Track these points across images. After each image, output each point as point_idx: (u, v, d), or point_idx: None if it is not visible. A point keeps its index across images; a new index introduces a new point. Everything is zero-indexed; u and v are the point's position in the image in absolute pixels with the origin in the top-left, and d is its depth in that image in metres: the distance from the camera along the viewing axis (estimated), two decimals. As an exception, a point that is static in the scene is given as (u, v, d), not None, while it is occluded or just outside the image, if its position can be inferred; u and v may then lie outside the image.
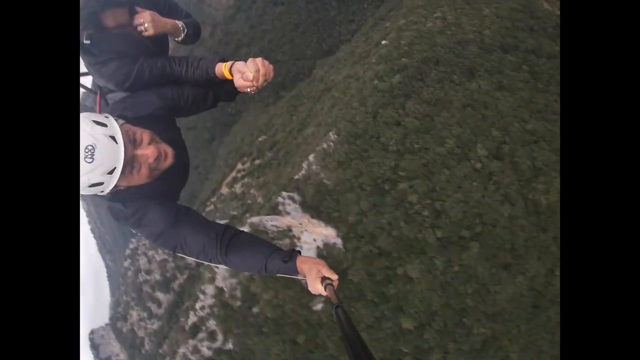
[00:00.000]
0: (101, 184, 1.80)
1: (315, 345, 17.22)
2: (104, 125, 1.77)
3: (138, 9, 2.43)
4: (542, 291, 19.43)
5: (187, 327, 21.78)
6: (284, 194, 18.60)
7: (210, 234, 2.12)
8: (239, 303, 19.89)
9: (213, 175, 42.92)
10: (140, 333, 40.85)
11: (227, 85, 2.43)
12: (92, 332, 48.50)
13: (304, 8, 63.89)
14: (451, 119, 34.78)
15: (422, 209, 18.38)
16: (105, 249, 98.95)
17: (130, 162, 1.86)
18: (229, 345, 20.69)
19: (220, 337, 21.18)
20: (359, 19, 56.81)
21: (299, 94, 40.47)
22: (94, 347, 47.72)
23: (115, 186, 1.89)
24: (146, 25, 2.38)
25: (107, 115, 1.90)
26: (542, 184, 28.57)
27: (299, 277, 2.07)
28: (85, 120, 1.76)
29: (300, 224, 19.05)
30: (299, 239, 16.94)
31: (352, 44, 41.91)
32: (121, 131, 1.82)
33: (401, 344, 16.86)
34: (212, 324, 20.30)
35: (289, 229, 18.31)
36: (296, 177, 19.54)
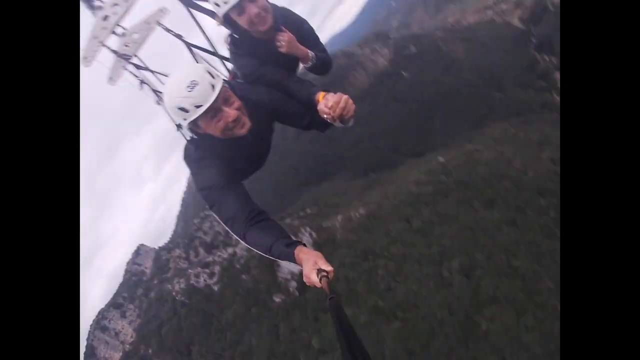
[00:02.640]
0: (187, 111, 2.23)
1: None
2: (213, 77, 2.24)
3: (283, 27, 2.93)
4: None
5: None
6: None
7: (245, 209, 2.41)
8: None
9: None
10: (171, 264, 55.11)
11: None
12: (141, 246, 63.23)
13: (414, 111, 77.27)
14: (448, 231, 37.89)
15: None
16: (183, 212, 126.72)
17: (214, 111, 2.28)
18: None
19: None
20: (454, 135, 64.82)
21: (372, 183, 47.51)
22: (136, 253, 65.64)
23: (196, 125, 2.33)
24: (283, 43, 2.90)
25: (220, 75, 2.35)
26: (490, 312, 30.64)
27: (297, 266, 2.16)
28: (203, 67, 2.34)
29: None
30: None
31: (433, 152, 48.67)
32: (222, 90, 2.27)
33: None
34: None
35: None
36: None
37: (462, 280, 33.90)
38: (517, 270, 32.25)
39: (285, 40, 2.91)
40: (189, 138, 2.57)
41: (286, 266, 42.34)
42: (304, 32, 3.18)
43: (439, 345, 31.91)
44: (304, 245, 2.23)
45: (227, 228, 2.50)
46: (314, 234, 47.12)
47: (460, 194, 43.78)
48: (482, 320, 31.15)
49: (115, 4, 3.74)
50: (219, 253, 52.03)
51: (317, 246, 43.27)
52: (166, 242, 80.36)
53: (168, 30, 4.08)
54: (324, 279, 1.92)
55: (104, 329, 62.45)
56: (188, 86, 2.21)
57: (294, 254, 2.18)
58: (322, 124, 2.89)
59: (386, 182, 58.14)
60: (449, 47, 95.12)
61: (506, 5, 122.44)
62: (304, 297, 40.67)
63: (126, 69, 4.42)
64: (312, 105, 2.76)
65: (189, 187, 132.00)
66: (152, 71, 4.13)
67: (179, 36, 3.98)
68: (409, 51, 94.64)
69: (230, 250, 50.39)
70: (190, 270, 54.01)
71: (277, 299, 42.78)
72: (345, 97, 2.48)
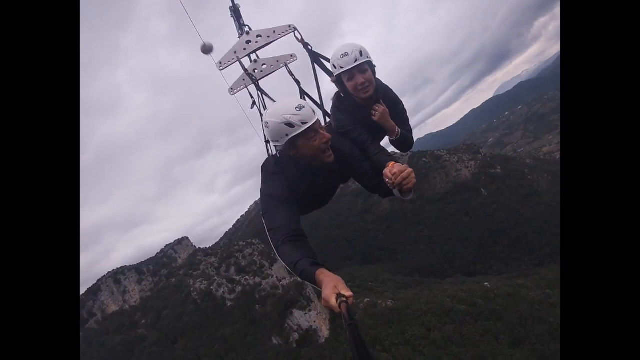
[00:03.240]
0: (292, 127, 2.60)
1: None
2: (314, 111, 2.73)
3: (381, 100, 3.48)
4: None
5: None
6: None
7: (290, 225, 2.63)
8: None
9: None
10: (202, 266, 63.13)
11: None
12: (185, 238, 69.65)
13: (482, 230, 78.14)
14: (464, 355, 40.18)
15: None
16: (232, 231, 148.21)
17: (314, 132, 2.68)
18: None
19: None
20: (512, 264, 66.39)
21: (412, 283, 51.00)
22: (178, 242, 76.55)
23: (294, 143, 2.69)
24: (377, 113, 3.40)
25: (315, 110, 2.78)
26: None
27: (316, 287, 2.19)
28: (308, 104, 2.78)
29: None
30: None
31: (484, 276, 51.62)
32: (317, 122, 2.71)
33: None
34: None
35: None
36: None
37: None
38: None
39: (379, 111, 3.40)
40: (275, 154, 2.93)
41: (300, 320, 43.07)
42: (397, 110, 3.68)
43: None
44: (327, 268, 2.24)
45: (268, 234, 2.69)
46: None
47: (490, 323, 42.87)
48: None
49: (259, 36, 4.19)
50: (247, 277, 53.79)
51: (333, 314, 44.08)
52: (207, 247, 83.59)
53: (291, 74, 4.45)
54: (343, 304, 1.89)
55: (117, 282, 66.94)
56: (297, 107, 2.64)
57: (315, 274, 2.20)
58: (385, 191, 3.06)
59: (427, 288, 58.18)
60: (534, 177, 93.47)
61: None
62: (299, 351, 41.11)
63: (246, 87, 4.78)
64: (381, 170, 2.94)
65: (248, 213, 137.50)
66: (268, 96, 4.63)
67: (297, 82, 4.31)
68: (494, 170, 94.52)
69: (257, 280, 52.12)
70: (216, 279, 56.17)
71: (274, 341, 43.40)
72: (409, 169, 2.65)
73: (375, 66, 3.45)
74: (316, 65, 3.88)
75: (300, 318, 46.22)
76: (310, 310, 46.72)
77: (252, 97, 4.60)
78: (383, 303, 50.19)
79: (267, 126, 2.71)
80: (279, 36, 4.24)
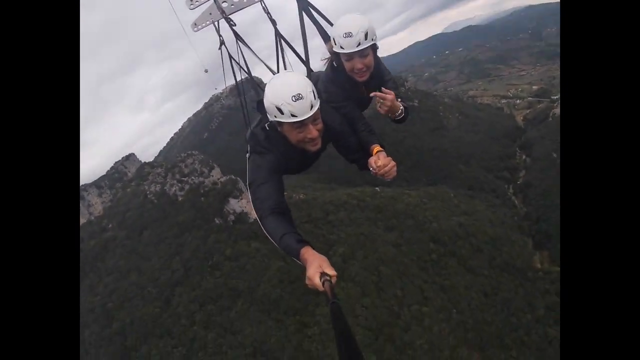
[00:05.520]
0: (282, 114, 2.53)
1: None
2: (314, 97, 2.61)
3: (385, 89, 3.23)
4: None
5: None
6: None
7: (276, 198, 2.68)
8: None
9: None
10: (150, 177, 74.04)
11: (367, 159, 3.08)
12: (131, 154, 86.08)
13: (393, 151, 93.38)
14: (349, 235, 61.20)
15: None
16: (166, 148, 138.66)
17: (302, 124, 2.60)
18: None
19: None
20: (411, 182, 78.39)
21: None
22: (126, 158, 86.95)
23: (279, 124, 2.65)
24: (385, 103, 3.19)
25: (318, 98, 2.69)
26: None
27: (297, 262, 2.23)
28: (311, 84, 2.64)
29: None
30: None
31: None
32: (310, 117, 2.59)
33: None
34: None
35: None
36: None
37: (338, 261, 49.15)
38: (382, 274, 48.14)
39: (388, 99, 3.17)
40: (264, 125, 2.84)
41: (235, 206, 57.26)
42: (386, 85, 3.44)
43: (301, 283, 48.13)
44: (312, 247, 2.23)
45: (253, 204, 2.72)
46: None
47: (371, 214, 60.07)
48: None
49: None
50: (192, 178, 66.81)
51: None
52: (151, 161, 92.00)
53: (266, 11, 3.80)
54: (326, 283, 1.90)
55: (81, 198, 73.34)
56: (294, 96, 2.49)
57: (300, 252, 2.20)
58: (363, 167, 3.20)
59: (333, 189, 73.89)
60: (446, 115, 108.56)
61: (520, 101, 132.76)
62: (235, 227, 56.12)
63: (213, 23, 4.00)
64: (365, 149, 3.13)
65: (181, 130, 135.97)
66: (241, 39, 3.81)
67: (273, 22, 3.67)
68: (412, 103, 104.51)
69: (201, 179, 65.43)
70: (167, 180, 68.77)
71: (217, 221, 58.15)
72: (393, 163, 2.82)
73: (378, 47, 3.27)
74: (306, 17, 3.50)
75: (234, 205, 62.26)
76: (242, 199, 62.47)
77: (219, 35, 4.18)
78: (297, 196, 67.47)
79: (265, 96, 2.65)
80: None
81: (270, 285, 50.60)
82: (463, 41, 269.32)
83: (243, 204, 61.45)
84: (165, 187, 68.89)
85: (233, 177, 67.10)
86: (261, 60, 3.90)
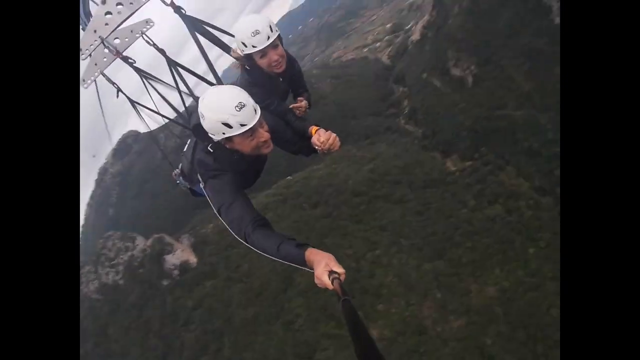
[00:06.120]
0: (231, 127, 2.52)
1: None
2: (254, 102, 2.63)
3: (301, 98, 3.78)
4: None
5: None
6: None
7: (252, 212, 2.65)
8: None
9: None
10: (83, 278, 64.29)
11: (310, 143, 3.23)
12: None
13: None
14: (284, 225, 57.86)
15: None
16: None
17: (252, 131, 2.60)
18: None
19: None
20: (315, 158, 79.51)
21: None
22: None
23: (230, 140, 2.63)
24: (302, 110, 3.68)
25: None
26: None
27: (306, 269, 2.21)
28: (244, 90, 2.65)
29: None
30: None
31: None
32: (258, 122, 2.61)
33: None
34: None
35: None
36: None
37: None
38: (328, 245, 51.22)
39: (303, 107, 3.63)
40: (207, 149, 2.79)
41: (173, 260, 58.39)
42: (295, 71, 3.86)
43: (267, 294, 49.86)
44: (312, 246, 2.23)
45: (230, 228, 2.66)
46: (191, 238, 65.06)
47: (294, 200, 63.78)
48: (297, 276, 49.56)
49: (119, 4, 3.19)
50: (120, 257, 66.46)
51: (194, 246, 61.81)
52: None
53: (150, 43, 3.56)
54: (336, 281, 1.93)
55: None
56: (237, 106, 2.50)
57: (304, 255, 2.19)
58: (309, 151, 3.38)
59: (252, 198, 78.21)
60: (319, 85, 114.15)
61: (380, 43, 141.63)
62: (184, 278, 57.41)
63: (101, 73, 3.66)
64: (304, 135, 3.27)
65: (87, 219, 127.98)
66: (151, 77, 3.72)
67: (162, 51, 3.48)
68: None
69: (129, 253, 65.45)
70: (101, 272, 67.78)
71: (165, 283, 59.00)
72: (334, 135, 2.99)
73: (281, 36, 3.40)
74: (198, 34, 3.45)
75: (171, 260, 61.97)
76: (175, 252, 62.79)
77: (113, 83, 3.84)
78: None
79: (202, 118, 2.62)
80: (144, 1, 3.42)
81: (241, 308, 53.20)
82: (311, 12, 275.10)
83: (179, 255, 62.25)
84: (102, 280, 67.57)
85: (156, 235, 66.59)
86: (185, 86, 3.73)
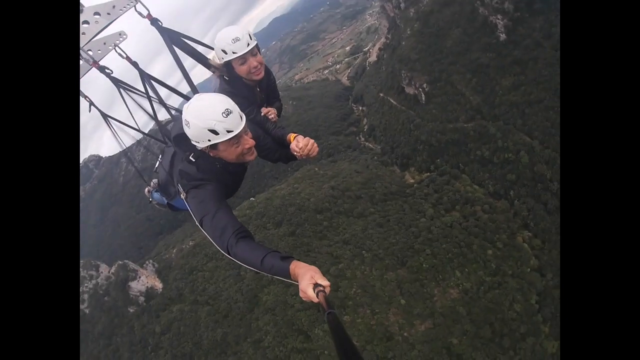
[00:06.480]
0: (217, 134, 2.50)
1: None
2: (239, 110, 2.62)
3: (267, 109, 3.73)
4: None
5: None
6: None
7: (235, 224, 2.53)
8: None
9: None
10: None
11: (288, 150, 3.22)
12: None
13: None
14: None
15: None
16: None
17: (238, 138, 2.59)
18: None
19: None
20: (280, 178, 79.07)
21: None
22: None
23: (215, 147, 2.61)
24: (273, 116, 3.68)
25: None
26: (268, 289, 51.15)
27: (291, 281, 2.16)
28: (227, 97, 2.62)
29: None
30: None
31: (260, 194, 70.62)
32: (244, 128, 2.61)
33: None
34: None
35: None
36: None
37: (252, 273, 53.01)
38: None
39: (273, 115, 3.67)
40: (189, 158, 2.75)
41: (138, 287, 57.65)
42: (270, 81, 3.98)
43: (234, 314, 50.03)
44: (297, 259, 2.20)
45: (212, 240, 2.56)
46: (155, 264, 64.75)
47: (258, 220, 64.83)
48: (263, 295, 50.08)
49: (97, 13, 3.12)
50: (85, 285, 65.11)
51: (159, 271, 61.51)
52: None
53: (123, 56, 3.54)
54: (320, 294, 1.90)
55: None
56: (223, 112, 2.47)
57: (289, 268, 2.15)
58: (288, 158, 3.36)
59: None
60: (284, 106, 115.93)
61: (340, 65, 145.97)
62: (150, 304, 56.82)
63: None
64: (283, 142, 3.28)
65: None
66: (128, 87, 3.74)
67: (135, 64, 3.45)
68: None
69: (94, 281, 64.33)
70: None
71: (131, 310, 58.19)
72: (312, 141, 2.99)
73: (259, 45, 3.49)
74: (174, 46, 3.37)
75: (137, 286, 61.86)
76: (139, 278, 62.75)
77: (85, 97, 3.83)
78: (187, 245, 70.37)
79: (187, 125, 2.55)
80: (121, 12, 3.32)
81: (209, 330, 53.07)
82: (274, 34, 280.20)
83: (143, 281, 61.81)
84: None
85: (120, 262, 66.12)
86: (176, 92, 3.85)
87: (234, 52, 3.32)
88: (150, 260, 67.59)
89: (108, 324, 59.91)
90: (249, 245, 2.44)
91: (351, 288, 50.94)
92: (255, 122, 3.38)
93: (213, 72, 3.66)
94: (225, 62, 3.43)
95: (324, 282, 1.98)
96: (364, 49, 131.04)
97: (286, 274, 2.18)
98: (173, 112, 3.70)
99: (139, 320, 58.17)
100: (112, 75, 3.72)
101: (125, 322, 59.26)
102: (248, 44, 3.34)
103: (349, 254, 56.19)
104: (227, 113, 2.50)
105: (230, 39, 3.31)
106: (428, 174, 70.43)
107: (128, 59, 3.62)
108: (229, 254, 2.47)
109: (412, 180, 71.54)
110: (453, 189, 64.48)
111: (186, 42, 3.51)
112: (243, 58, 3.38)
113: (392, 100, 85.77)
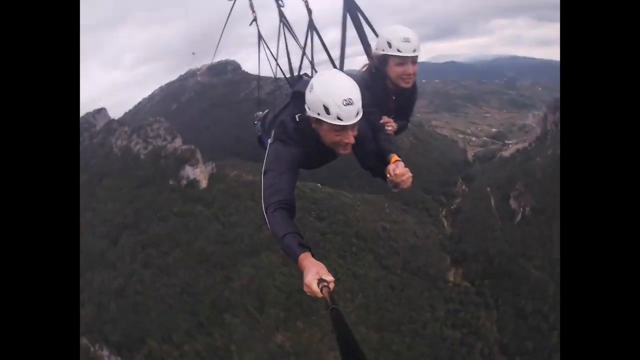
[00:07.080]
0: (328, 114, 2.52)
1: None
2: (360, 105, 2.60)
3: (388, 119, 3.40)
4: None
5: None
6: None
7: (286, 194, 2.62)
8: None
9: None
10: (117, 133, 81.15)
11: (384, 168, 3.09)
12: (103, 109, 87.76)
13: None
14: None
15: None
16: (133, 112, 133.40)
17: (342, 128, 2.60)
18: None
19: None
20: None
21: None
22: (98, 111, 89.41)
23: (318, 122, 2.63)
24: (390, 128, 3.40)
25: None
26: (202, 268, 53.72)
27: (293, 263, 2.25)
28: (359, 91, 2.63)
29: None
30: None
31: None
32: (354, 124, 2.62)
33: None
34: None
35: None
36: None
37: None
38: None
39: (391, 126, 3.39)
40: (295, 116, 2.79)
41: (188, 172, 65.22)
42: (411, 98, 3.80)
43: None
44: (312, 253, 2.23)
45: (263, 192, 2.65)
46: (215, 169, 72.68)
47: (305, 203, 67.11)
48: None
49: None
50: (156, 140, 72.30)
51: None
52: (119, 118, 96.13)
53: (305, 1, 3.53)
54: (324, 289, 1.92)
55: None
56: (345, 100, 2.49)
57: (298, 257, 2.20)
58: (378, 174, 3.23)
59: None
60: (401, 136, 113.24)
61: (475, 139, 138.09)
62: (187, 190, 67.81)
63: None
64: (383, 157, 3.15)
65: (151, 97, 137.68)
66: (289, 26, 3.76)
67: (309, 11, 3.51)
68: None
69: (163, 143, 72.90)
70: (133, 139, 74.33)
71: (171, 182, 68.75)
72: (409, 174, 2.88)
73: None
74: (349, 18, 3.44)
75: (189, 171, 69.57)
76: (197, 168, 70.11)
77: (253, 11, 4.12)
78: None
79: (310, 89, 2.62)
80: None
81: (207, 242, 57.73)
82: (442, 73, 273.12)
83: (197, 172, 69.04)
84: (130, 144, 75.61)
85: (193, 147, 72.26)
86: (326, 51, 3.88)
87: (398, 50, 3.26)
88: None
89: (149, 176, 68.99)
90: (282, 217, 2.52)
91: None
92: (370, 123, 3.24)
93: (367, 59, 3.63)
94: (383, 55, 3.35)
95: (329, 278, 2.01)
96: (506, 141, 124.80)
97: (294, 260, 2.25)
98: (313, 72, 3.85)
99: (169, 194, 66.50)
100: (282, 7, 4.00)
101: (160, 186, 67.52)
102: (414, 50, 3.28)
103: (349, 285, 56.69)
104: (348, 102, 2.51)
105: (401, 36, 3.25)
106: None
107: (306, 3, 3.77)
108: (265, 214, 2.58)
109: (451, 279, 67.21)
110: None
111: (359, 17, 3.60)
112: (403, 60, 3.30)
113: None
